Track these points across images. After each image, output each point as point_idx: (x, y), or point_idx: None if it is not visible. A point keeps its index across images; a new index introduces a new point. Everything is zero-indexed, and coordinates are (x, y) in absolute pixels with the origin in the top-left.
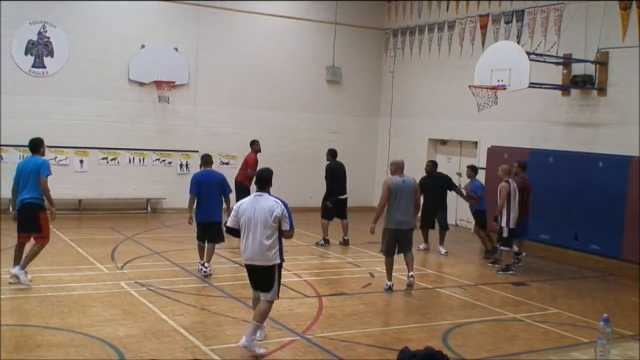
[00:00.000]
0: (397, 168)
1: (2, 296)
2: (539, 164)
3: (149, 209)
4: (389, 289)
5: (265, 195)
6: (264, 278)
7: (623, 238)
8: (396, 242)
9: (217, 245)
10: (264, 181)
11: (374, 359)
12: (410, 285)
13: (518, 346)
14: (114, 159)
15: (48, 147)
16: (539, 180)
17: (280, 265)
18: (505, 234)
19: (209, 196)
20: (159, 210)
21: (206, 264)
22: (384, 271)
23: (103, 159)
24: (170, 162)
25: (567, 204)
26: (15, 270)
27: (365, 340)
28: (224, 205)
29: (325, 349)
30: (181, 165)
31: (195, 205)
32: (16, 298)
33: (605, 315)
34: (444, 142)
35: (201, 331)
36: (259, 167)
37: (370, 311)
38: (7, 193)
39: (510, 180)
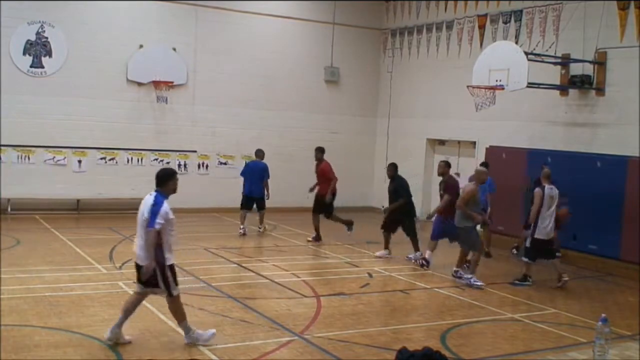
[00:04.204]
0: (478, 178)
1: (2, 296)
2: (537, 164)
3: None
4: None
5: (154, 193)
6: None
7: (621, 238)
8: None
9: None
10: (157, 179)
11: (372, 359)
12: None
13: (516, 346)
14: (112, 158)
15: (46, 147)
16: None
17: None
18: None
19: (252, 178)
20: None
21: (259, 226)
22: (382, 271)
23: (101, 158)
24: (168, 162)
25: (565, 204)
26: None
27: (364, 340)
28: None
29: (323, 349)
30: (179, 165)
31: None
32: (15, 298)
33: (603, 315)
34: (442, 142)
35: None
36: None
37: (368, 311)
38: (6, 193)
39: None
